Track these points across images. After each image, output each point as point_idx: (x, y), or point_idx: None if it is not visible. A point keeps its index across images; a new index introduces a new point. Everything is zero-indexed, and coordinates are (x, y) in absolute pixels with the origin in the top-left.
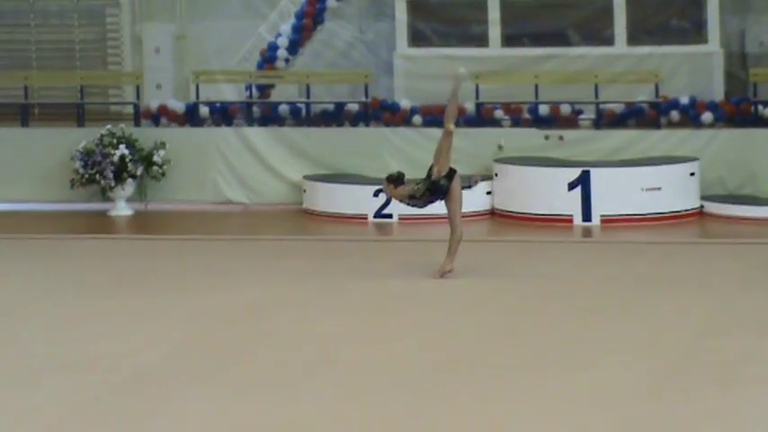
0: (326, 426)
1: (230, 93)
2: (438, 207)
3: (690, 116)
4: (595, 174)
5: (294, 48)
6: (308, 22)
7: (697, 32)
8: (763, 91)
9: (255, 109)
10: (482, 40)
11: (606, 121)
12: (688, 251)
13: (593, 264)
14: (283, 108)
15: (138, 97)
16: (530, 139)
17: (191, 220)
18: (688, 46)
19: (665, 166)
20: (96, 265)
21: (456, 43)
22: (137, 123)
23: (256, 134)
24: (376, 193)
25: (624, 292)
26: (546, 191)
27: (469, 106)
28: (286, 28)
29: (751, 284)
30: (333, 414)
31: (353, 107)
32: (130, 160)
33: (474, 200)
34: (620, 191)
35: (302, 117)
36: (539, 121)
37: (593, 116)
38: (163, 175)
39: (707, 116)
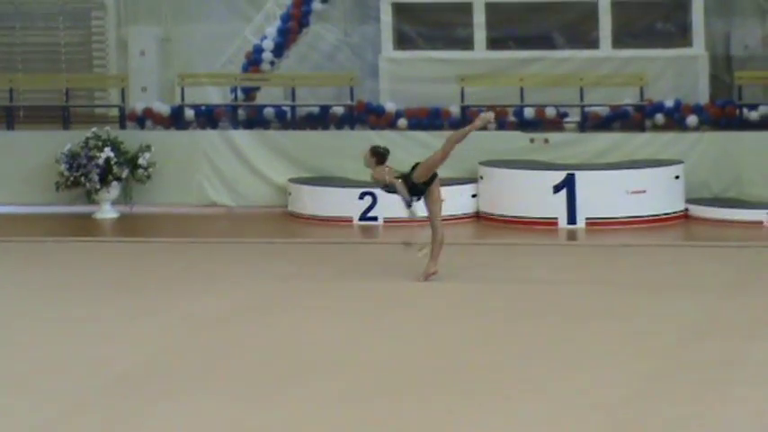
0: (312, 428)
1: (215, 95)
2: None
3: (675, 119)
4: (580, 176)
5: (279, 50)
6: (294, 24)
7: (682, 36)
8: (747, 94)
9: (241, 112)
10: (467, 43)
11: (591, 123)
12: (673, 254)
13: (578, 266)
14: (268, 111)
15: (123, 100)
16: (515, 142)
17: (176, 222)
18: (673, 49)
19: (650, 169)
20: (81, 268)
21: (441, 46)
22: (122, 126)
23: (241, 137)
24: (361, 196)
25: (609, 294)
26: (531, 194)
27: (455, 109)
28: (271, 31)
29: (736, 287)
30: (318, 416)
31: (339, 110)
32: (116, 163)
33: (459, 203)
34: (605, 194)
35: (287, 120)
36: (524, 124)
37: (578, 119)
38: (148, 177)
39: (692, 119)
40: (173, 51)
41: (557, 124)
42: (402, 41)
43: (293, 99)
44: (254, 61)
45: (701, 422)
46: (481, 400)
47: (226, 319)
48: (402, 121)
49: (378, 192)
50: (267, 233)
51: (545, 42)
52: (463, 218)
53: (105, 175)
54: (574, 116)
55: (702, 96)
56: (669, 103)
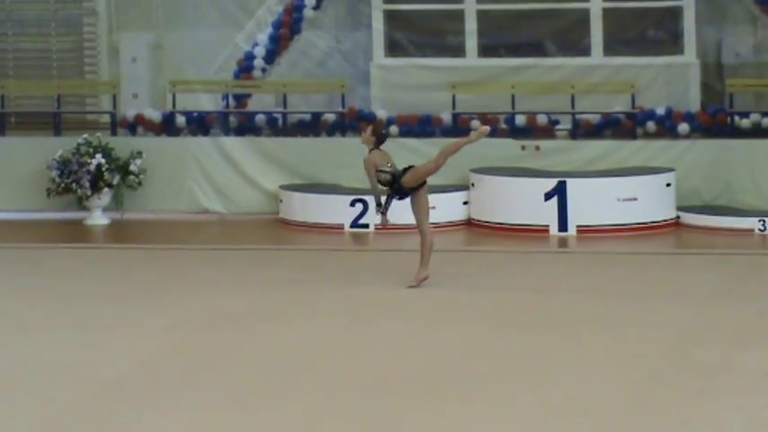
0: None
1: (207, 102)
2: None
3: (666, 127)
4: (572, 184)
5: (271, 57)
6: (285, 31)
7: (673, 43)
8: (739, 102)
9: (232, 118)
10: (459, 51)
11: (582, 131)
12: (664, 262)
13: (569, 274)
14: (260, 118)
15: (114, 106)
16: (506, 150)
17: (167, 229)
18: (664, 57)
19: (641, 177)
20: (72, 274)
21: (433, 53)
22: (113, 132)
23: (233, 144)
24: (353, 203)
25: (600, 302)
26: (522, 201)
27: (446, 117)
28: (263, 37)
29: (726, 295)
30: (309, 423)
31: (330, 117)
32: (107, 169)
33: (450, 210)
34: (596, 201)
35: (279, 127)
36: (515, 132)
37: (569, 126)
38: (139, 184)
39: (683, 127)
40: (164, 58)
41: (548, 132)
42: (393, 49)
43: (285, 106)
44: (245, 68)
45: (692, 430)
46: (472, 407)
47: (216, 325)
48: (393, 129)
49: (369, 199)
50: (258, 240)
51: (536, 50)
52: (454, 225)
53: (96, 182)
54: (565, 123)
55: (694, 104)
56: (660, 111)
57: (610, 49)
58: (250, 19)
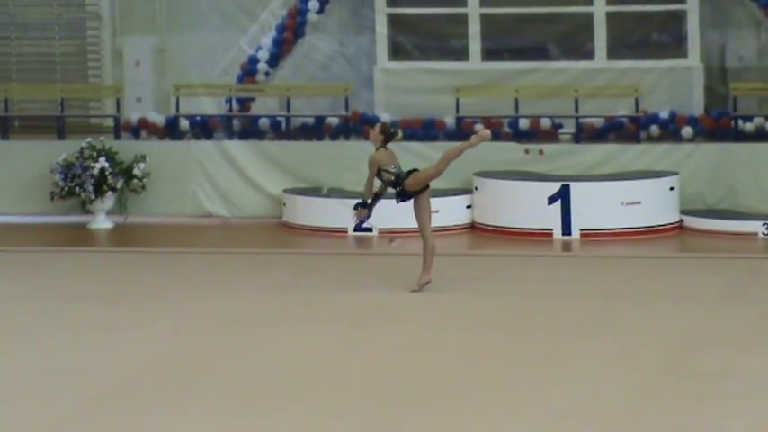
0: None
1: (210, 106)
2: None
3: (670, 130)
4: (575, 188)
5: (274, 61)
6: (289, 35)
7: (677, 47)
8: (742, 105)
9: (236, 122)
10: (462, 54)
11: (586, 135)
12: (667, 265)
13: (573, 278)
14: (263, 121)
15: (118, 110)
16: (510, 153)
17: (170, 233)
18: (668, 60)
19: (644, 181)
20: (75, 277)
21: (436, 57)
22: (117, 136)
23: (236, 147)
24: (356, 207)
25: (603, 306)
26: (526, 205)
27: (449, 120)
28: (266, 41)
29: (730, 299)
30: (311, 427)
31: (334, 121)
32: (110, 173)
33: (454, 214)
34: (599, 205)
35: (282, 130)
36: (519, 135)
37: (573, 130)
38: (143, 188)
39: (687, 131)
40: (168, 62)
41: (552, 135)
42: (397, 52)
43: (288, 110)
44: (249, 72)
45: None
46: (474, 412)
47: (219, 329)
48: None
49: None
50: (262, 244)
51: (540, 53)
52: (458, 229)
53: (100, 186)
54: (569, 127)
55: (697, 108)
56: (664, 115)
57: (613, 52)
58: (254, 23)
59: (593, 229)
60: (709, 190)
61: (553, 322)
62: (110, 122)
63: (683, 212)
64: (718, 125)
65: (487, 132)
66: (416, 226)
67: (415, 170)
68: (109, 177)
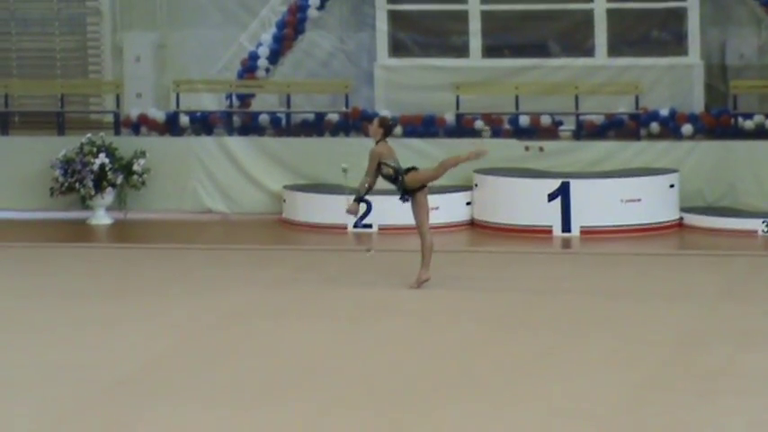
0: None
1: (211, 102)
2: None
3: (670, 128)
4: (575, 185)
5: (275, 57)
6: (289, 31)
7: (677, 44)
8: (742, 103)
9: (236, 118)
10: (463, 51)
11: (586, 132)
12: (667, 263)
13: (573, 275)
14: (263, 118)
15: (118, 106)
16: (510, 150)
17: (170, 228)
18: (668, 58)
19: (644, 178)
20: (75, 273)
21: (437, 54)
22: (117, 132)
23: (236, 144)
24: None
25: (603, 303)
26: (526, 202)
27: (450, 117)
28: (267, 37)
29: (730, 296)
30: (311, 421)
31: (334, 117)
32: (110, 169)
33: (454, 210)
34: (599, 202)
35: (282, 127)
36: (519, 132)
37: (573, 127)
38: (143, 183)
39: (687, 128)
40: (168, 58)
41: (552, 132)
42: (397, 49)
43: (288, 106)
44: (249, 68)
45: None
46: (473, 408)
47: (219, 325)
48: (397, 129)
49: (372, 199)
50: (261, 240)
51: (540, 50)
52: (458, 225)
53: (100, 181)
54: (569, 124)
55: (697, 105)
56: (664, 112)
57: (614, 50)
58: (254, 19)
59: (593, 227)
60: (709, 187)
61: (553, 319)
62: (110, 118)
63: (682, 210)
64: (719, 123)
65: (486, 149)
66: (414, 223)
67: (414, 168)
68: (109, 173)
